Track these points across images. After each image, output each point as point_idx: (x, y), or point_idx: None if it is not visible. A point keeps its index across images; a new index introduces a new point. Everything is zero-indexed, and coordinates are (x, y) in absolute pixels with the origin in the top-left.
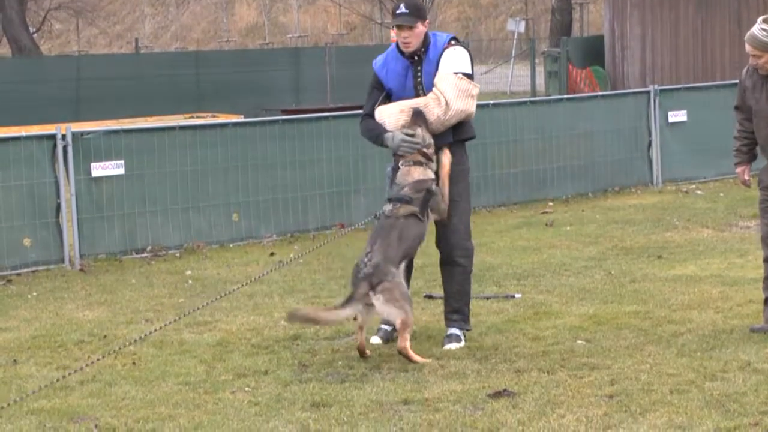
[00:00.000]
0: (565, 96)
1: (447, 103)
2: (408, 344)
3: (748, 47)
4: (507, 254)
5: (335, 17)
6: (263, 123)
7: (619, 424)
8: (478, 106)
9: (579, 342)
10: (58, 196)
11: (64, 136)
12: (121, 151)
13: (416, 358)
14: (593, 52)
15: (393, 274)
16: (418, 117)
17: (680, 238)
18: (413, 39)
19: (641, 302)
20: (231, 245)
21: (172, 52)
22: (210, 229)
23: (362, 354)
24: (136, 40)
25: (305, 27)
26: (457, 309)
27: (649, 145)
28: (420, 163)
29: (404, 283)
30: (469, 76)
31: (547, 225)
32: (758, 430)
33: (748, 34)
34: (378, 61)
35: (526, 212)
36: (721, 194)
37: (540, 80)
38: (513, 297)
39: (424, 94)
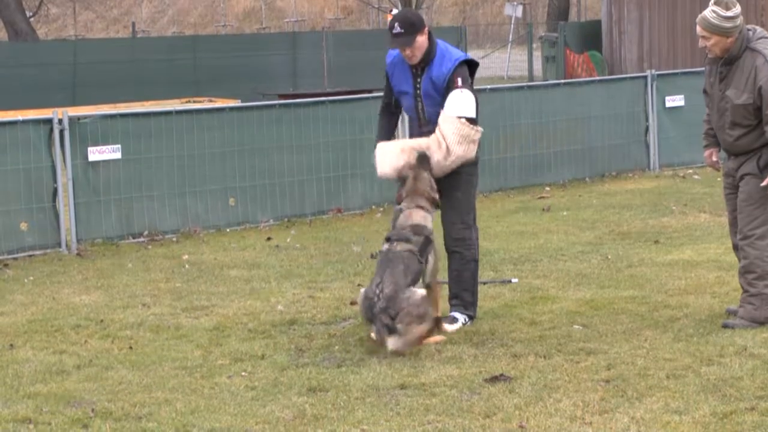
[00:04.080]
0: (563, 81)
1: (448, 149)
2: (434, 337)
3: (697, 29)
4: (504, 239)
5: (332, 2)
6: (260, 108)
7: (616, 408)
8: (476, 90)
9: (576, 327)
10: (54, 180)
11: (60, 121)
12: (117, 136)
13: (434, 339)
14: (591, 36)
15: (404, 299)
16: (423, 161)
17: (677, 222)
18: (416, 52)
19: (638, 287)
20: (228, 230)
21: (169, 36)
22: (207, 213)
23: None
24: (133, 24)
25: (302, 11)
26: (455, 294)
27: (646, 129)
28: (422, 208)
29: (416, 291)
30: (473, 121)
31: (544, 210)
32: (754, 414)
33: (699, 16)
34: (390, 56)
35: (523, 197)
36: (718, 179)
37: (537, 65)
38: (510, 282)
39: (421, 103)
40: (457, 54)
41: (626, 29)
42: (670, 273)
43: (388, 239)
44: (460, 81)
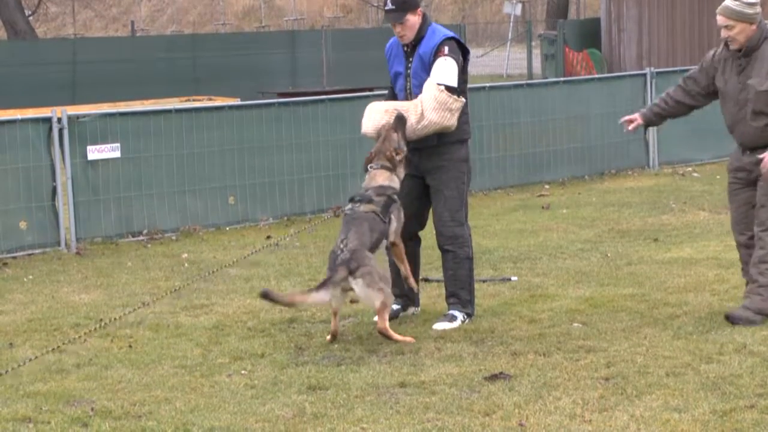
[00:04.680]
0: (562, 79)
1: (422, 113)
2: (387, 324)
3: (720, 19)
4: (503, 237)
5: (332, 0)
6: (259, 106)
7: (615, 406)
8: (476, 88)
9: (575, 325)
10: (54, 179)
11: (59, 120)
12: (117, 135)
13: (396, 337)
14: (590, 34)
15: (369, 257)
16: (398, 121)
17: (676, 220)
18: (407, 32)
19: (637, 285)
20: (227, 228)
21: (168, 35)
22: (206, 212)
23: (335, 338)
24: (132, 23)
25: (301, 10)
26: (452, 293)
27: (646, 127)
28: (387, 168)
29: (379, 266)
30: (453, 90)
31: (543, 208)
32: (754, 412)
33: (720, 6)
34: (389, 43)
35: (522, 195)
36: (718, 177)
37: (537, 63)
38: (509, 280)
39: (410, 85)
40: (448, 32)
41: (625, 27)
42: (669, 271)
43: (351, 200)
44: (446, 49)
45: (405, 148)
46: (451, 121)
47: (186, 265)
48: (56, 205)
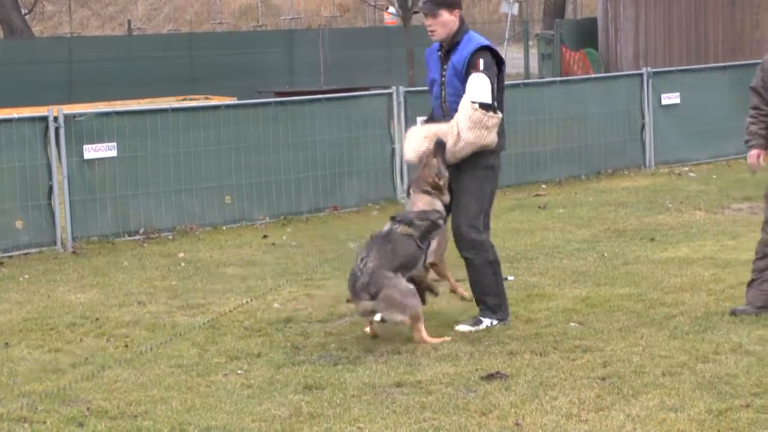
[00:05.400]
0: (559, 78)
1: (459, 134)
2: (424, 335)
3: None
4: (500, 237)
5: None
6: (256, 105)
7: (612, 405)
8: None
9: (572, 324)
10: (50, 178)
11: (56, 118)
12: (113, 134)
13: (436, 341)
14: (587, 34)
15: (389, 277)
16: (438, 147)
17: (673, 220)
18: (437, 27)
19: (634, 284)
20: (224, 227)
21: (164, 34)
22: (203, 211)
23: (375, 336)
24: (129, 21)
25: (298, 9)
26: (479, 300)
27: (642, 127)
28: (429, 193)
29: (402, 280)
30: (487, 107)
31: (540, 207)
32: (749, 411)
33: None
34: (428, 49)
35: (519, 194)
36: (714, 176)
37: (533, 62)
38: (506, 279)
39: (445, 92)
40: (483, 41)
41: (622, 27)
42: (665, 270)
43: (391, 218)
44: (481, 64)
45: (446, 173)
46: (489, 138)
47: (183, 264)
48: (52, 204)
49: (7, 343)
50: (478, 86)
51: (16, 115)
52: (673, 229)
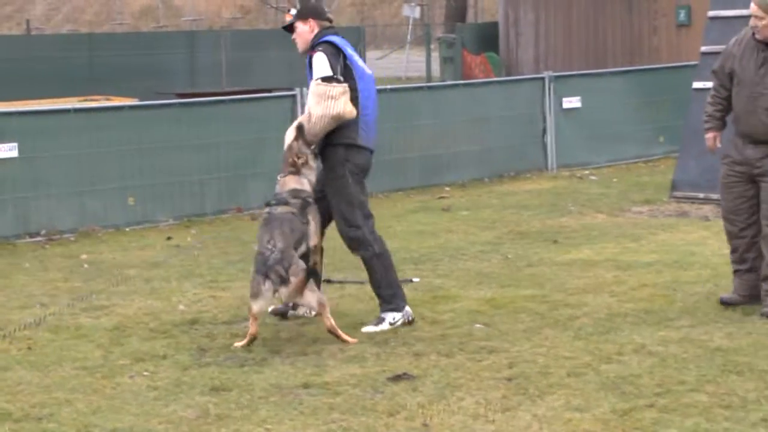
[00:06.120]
0: (461, 82)
1: (309, 112)
2: (333, 322)
3: (752, 7)
4: (404, 239)
5: (230, 1)
6: (159, 106)
7: (518, 406)
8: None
9: (477, 325)
10: None
11: None
12: (14, 134)
13: (345, 337)
14: (488, 38)
15: (298, 258)
16: (297, 130)
17: (575, 222)
18: (297, 39)
19: (538, 286)
20: (127, 229)
21: (64, 34)
22: (105, 212)
23: (253, 340)
24: (27, 21)
25: (199, 10)
26: (376, 294)
27: (544, 130)
28: (293, 173)
29: (300, 261)
30: (328, 79)
31: (443, 210)
32: (653, 411)
33: None
34: None
35: (423, 197)
36: (614, 180)
37: (435, 66)
38: (411, 281)
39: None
40: (323, 37)
41: (523, 31)
42: (569, 272)
43: (267, 204)
44: (317, 48)
45: (307, 151)
46: (338, 107)
47: (86, 266)
48: None
49: None
50: (317, 64)
51: None
52: (575, 232)
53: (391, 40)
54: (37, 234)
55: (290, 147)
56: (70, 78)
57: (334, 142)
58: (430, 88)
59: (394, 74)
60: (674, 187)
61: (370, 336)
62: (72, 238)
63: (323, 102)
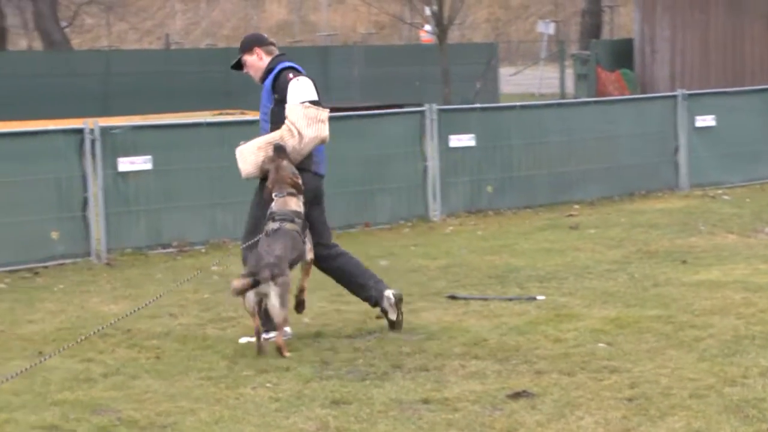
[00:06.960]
0: (593, 99)
1: (300, 133)
2: (283, 343)
3: None
4: (530, 256)
5: (365, 16)
6: None
7: (638, 427)
8: (505, 107)
9: (600, 345)
10: (85, 190)
11: (92, 131)
12: (148, 147)
13: (286, 353)
14: (623, 55)
15: (288, 273)
16: (280, 151)
17: (705, 242)
18: (250, 71)
19: (664, 306)
20: None
21: (202, 48)
22: (235, 225)
23: (259, 335)
24: (167, 35)
25: (335, 26)
26: (363, 299)
27: (676, 149)
28: (293, 194)
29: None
30: (316, 103)
31: (571, 228)
32: None
33: None
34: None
35: (551, 214)
36: (748, 200)
37: (569, 83)
38: (535, 299)
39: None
40: (280, 65)
41: (658, 48)
42: (696, 293)
43: (273, 218)
44: (291, 74)
45: (297, 172)
46: (325, 131)
47: (215, 277)
48: (87, 215)
49: (40, 352)
50: (302, 88)
51: (52, 127)
52: (705, 252)
53: (525, 56)
54: (169, 245)
55: (282, 167)
56: (207, 92)
57: (300, 167)
58: (559, 105)
59: (528, 90)
60: None
61: (493, 353)
62: (202, 250)
63: (314, 124)
